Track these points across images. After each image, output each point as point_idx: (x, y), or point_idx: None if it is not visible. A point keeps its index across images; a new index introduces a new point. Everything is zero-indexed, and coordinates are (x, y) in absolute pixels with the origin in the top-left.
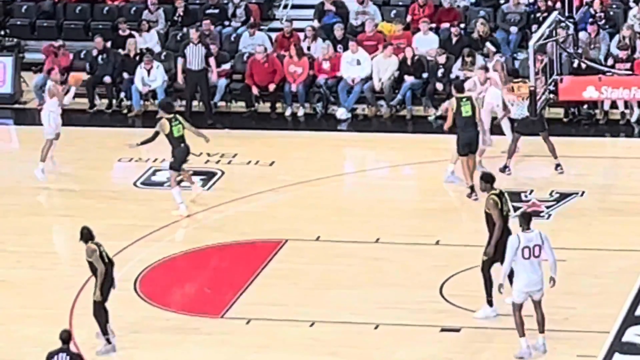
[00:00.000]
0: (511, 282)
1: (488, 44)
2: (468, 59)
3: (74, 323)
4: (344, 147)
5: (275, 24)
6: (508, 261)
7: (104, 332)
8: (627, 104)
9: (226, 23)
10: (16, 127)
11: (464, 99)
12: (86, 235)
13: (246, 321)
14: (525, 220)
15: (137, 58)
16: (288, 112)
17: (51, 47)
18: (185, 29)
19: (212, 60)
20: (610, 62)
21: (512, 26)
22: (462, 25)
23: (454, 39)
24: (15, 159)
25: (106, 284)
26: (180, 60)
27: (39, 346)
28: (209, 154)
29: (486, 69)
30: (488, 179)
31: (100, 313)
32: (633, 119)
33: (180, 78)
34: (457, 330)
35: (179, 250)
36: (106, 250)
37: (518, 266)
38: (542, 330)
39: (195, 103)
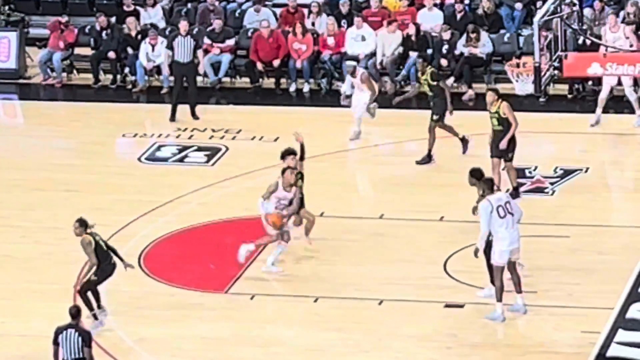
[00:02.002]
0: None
1: (347, 62)
2: (472, 35)
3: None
4: (349, 123)
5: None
6: (485, 225)
7: (91, 308)
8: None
9: None
10: (20, 102)
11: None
12: (82, 224)
13: (250, 297)
14: (488, 185)
15: (139, 37)
16: (292, 88)
17: (57, 22)
18: (189, 5)
19: (200, 53)
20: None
21: (517, 2)
22: (467, 2)
23: (459, 15)
24: (20, 134)
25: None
26: (168, 53)
27: (44, 321)
28: (213, 130)
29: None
30: (477, 175)
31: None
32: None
33: (166, 70)
34: (461, 306)
35: (184, 226)
36: (102, 238)
37: (497, 228)
38: (519, 291)
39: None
